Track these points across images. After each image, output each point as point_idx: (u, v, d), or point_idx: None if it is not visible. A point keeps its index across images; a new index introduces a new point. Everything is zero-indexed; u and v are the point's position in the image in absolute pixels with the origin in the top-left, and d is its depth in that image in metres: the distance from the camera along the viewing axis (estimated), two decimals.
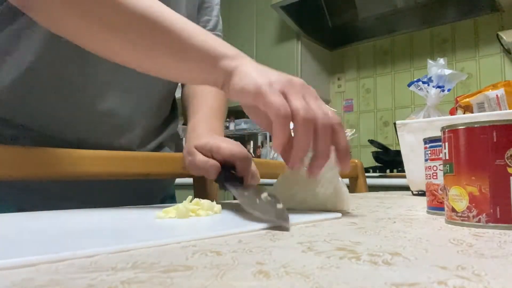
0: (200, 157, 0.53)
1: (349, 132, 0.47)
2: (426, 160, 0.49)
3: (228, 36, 3.08)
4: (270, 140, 3.00)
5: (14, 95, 0.56)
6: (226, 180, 0.49)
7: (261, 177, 0.95)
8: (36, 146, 0.56)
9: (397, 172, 2.09)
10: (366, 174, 1.34)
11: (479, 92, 0.82)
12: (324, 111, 0.39)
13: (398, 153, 2.09)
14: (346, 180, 1.50)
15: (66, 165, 0.59)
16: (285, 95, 0.39)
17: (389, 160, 2.19)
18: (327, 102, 2.89)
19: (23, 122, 0.58)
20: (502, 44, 2.13)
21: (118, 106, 0.63)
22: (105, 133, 0.64)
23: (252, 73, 0.41)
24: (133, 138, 0.67)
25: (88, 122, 0.61)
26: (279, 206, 0.38)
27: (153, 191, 0.75)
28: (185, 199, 0.43)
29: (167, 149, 0.77)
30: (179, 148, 0.81)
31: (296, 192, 0.46)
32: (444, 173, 0.39)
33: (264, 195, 0.42)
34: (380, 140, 2.53)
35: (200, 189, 0.80)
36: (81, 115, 0.60)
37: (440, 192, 0.46)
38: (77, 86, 0.59)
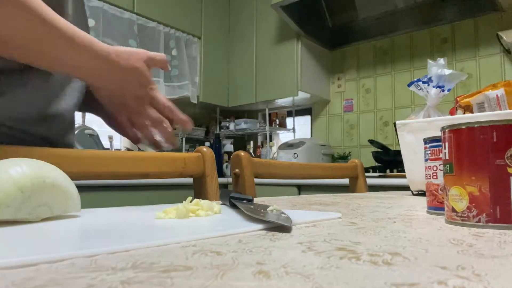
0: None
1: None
2: (426, 160, 0.49)
3: (228, 36, 3.10)
4: (271, 140, 3.00)
5: None
6: (232, 198, 0.49)
7: (261, 177, 0.96)
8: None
9: (397, 172, 2.09)
10: (366, 174, 1.34)
11: (479, 92, 0.82)
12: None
13: (398, 153, 2.10)
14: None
15: (65, 165, 0.59)
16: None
17: (389, 160, 2.19)
18: (327, 102, 2.90)
19: None
20: (502, 44, 2.13)
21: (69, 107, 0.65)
22: (58, 131, 0.65)
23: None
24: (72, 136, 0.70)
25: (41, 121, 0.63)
26: (284, 215, 0.38)
27: None
28: (185, 200, 0.43)
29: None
30: None
31: None
32: (444, 173, 0.39)
33: (270, 208, 0.42)
34: (380, 140, 2.54)
35: (200, 190, 0.80)
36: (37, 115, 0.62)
37: (440, 192, 0.46)
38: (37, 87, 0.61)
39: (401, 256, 0.23)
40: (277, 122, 2.99)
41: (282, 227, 0.34)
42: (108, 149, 2.43)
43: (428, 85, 0.85)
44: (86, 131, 2.13)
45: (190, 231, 0.32)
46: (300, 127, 3.06)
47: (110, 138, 2.50)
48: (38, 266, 0.21)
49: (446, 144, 0.38)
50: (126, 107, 0.60)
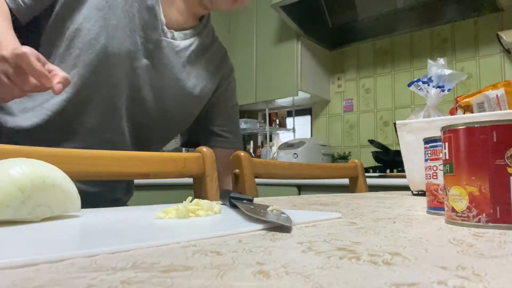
0: None
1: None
2: (426, 160, 0.49)
3: (228, 36, 3.09)
4: (271, 140, 3.00)
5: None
6: (232, 198, 0.49)
7: (261, 177, 0.96)
8: None
9: (397, 172, 2.09)
10: (366, 174, 1.34)
11: (479, 92, 0.82)
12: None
13: (398, 153, 2.09)
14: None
15: (66, 165, 0.59)
16: None
17: (389, 160, 2.19)
18: (327, 102, 2.89)
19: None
20: (502, 44, 2.13)
21: None
22: None
23: None
24: None
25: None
26: (284, 215, 0.38)
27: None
28: (185, 200, 0.43)
29: None
30: None
31: None
32: (444, 173, 0.39)
33: (270, 208, 0.42)
34: (380, 140, 2.53)
35: (200, 190, 0.80)
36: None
37: (440, 192, 0.46)
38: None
39: (401, 256, 0.23)
40: (277, 122, 2.99)
41: (282, 227, 0.34)
42: None
43: (428, 85, 0.85)
44: None
45: (190, 231, 0.32)
46: (300, 127, 3.06)
47: None
48: (38, 266, 0.21)
49: (446, 144, 0.38)
50: None
